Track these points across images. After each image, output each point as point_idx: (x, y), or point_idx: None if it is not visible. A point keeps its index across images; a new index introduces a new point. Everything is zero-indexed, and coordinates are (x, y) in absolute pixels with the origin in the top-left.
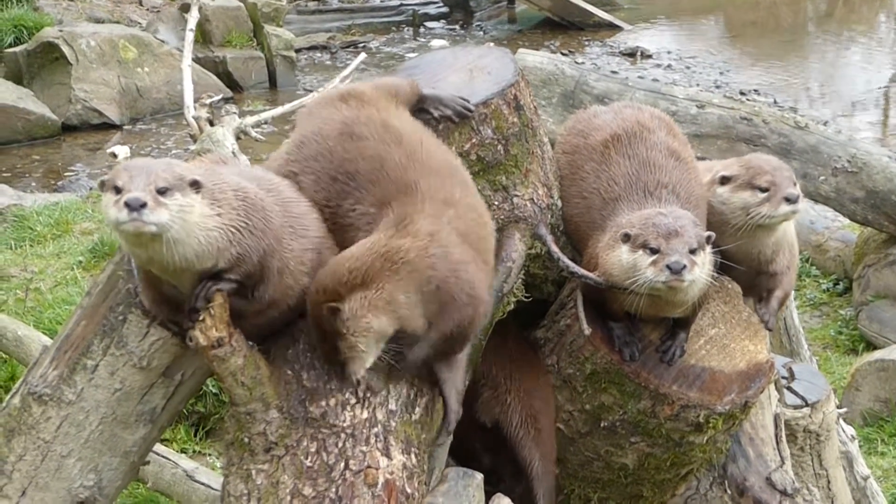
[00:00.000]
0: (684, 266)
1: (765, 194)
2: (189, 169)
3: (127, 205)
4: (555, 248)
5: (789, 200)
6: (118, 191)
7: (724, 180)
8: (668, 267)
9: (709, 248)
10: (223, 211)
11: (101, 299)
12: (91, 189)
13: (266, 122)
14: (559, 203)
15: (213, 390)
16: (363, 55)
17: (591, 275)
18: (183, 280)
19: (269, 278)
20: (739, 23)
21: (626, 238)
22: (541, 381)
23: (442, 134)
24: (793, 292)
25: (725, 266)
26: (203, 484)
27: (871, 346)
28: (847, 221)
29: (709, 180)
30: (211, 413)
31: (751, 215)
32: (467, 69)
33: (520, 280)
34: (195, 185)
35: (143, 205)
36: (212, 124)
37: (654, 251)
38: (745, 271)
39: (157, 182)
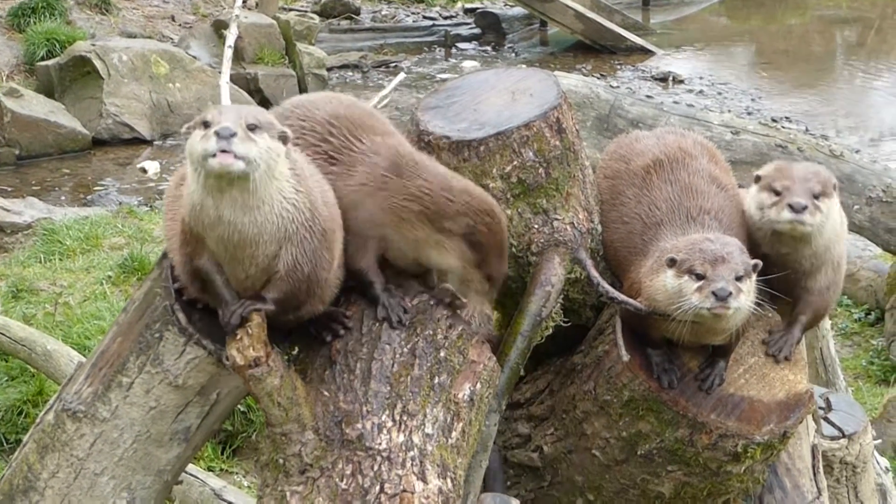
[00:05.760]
0: (730, 293)
1: (776, 198)
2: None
3: (217, 134)
4: (594, 273)
5: (792, 208)
6: (206, 125)
7: (757, 179)
8: (713, 293)
9: (754, 276)
10: (301, 188)
11: (138, 316)
12: (120, 204)
13: None
14: (599, 228)
15: (241, 409)
16: (402, 75)
17: (630, 300)
18: (236, 264)
19: (317, 293)
20: (771, 50)
21: (672, 263)
22: None
23: (483, 156)
24: (829, 322)
25: (765, 291)
26: (230, 503)
27: None
28: (879, 251)
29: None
30: (238, 431)
31: (762, 217)
32: (509, 91)
33: (558, 304)
34: (283, 137)
35: (234, 134)
36: None
37: (699, 277)
38: (786, 287)
39: (247, 118)
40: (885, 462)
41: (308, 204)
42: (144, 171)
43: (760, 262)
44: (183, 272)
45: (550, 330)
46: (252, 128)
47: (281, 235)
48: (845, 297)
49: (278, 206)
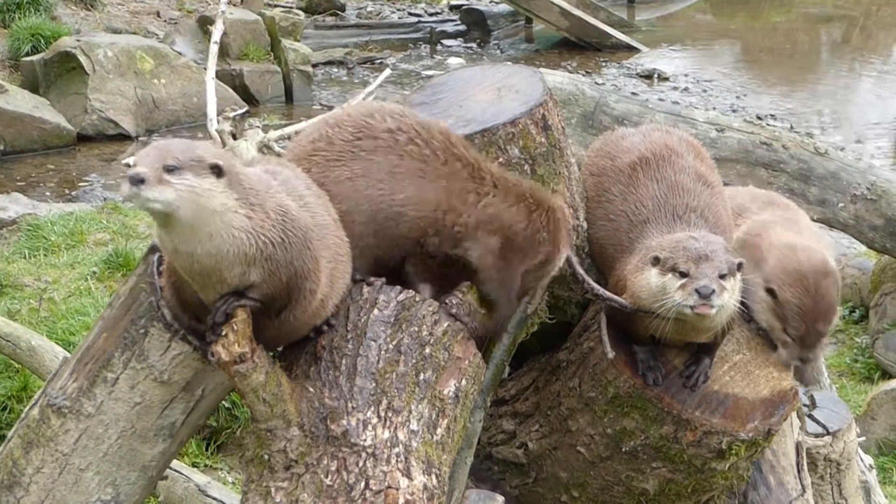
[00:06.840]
0: (713, 291)
1: (683, 280)
2: (216, 154)
3: (130, 178)
4: (580, 270)
5: (699, 294)
6: (129, 166)
7: (655, 261)
8: (696, 291)
9: (739, 275)
10: (254, 216)
11: (123, 312)
12: (105, 199)
13: (289, 137)
14: (585, 225)
15: (226, 405)
16: (388, 71)
17: (615, 297)
18: (207, 289)
19: (299, 301)
20: (756, 48)
21: (656, 261)
22: None
23: None
24: None
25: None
26: (215, 499)
27: (887, 375)
28: (864, 248)
29: None
30: (223, 427)
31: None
32: (495, 88)
33: (544, 301)
34: (215, 169)
35: (142, 181)
36: (234, 138)
37: (683, 275)
38: None
39: (167, 160)
40: (868, 459)
41: (269, 226)
42: (129, 166)
43: (744, 261)
44: (173, 303)
45: (536, 327)
46: (171, 169)
47: (241, 260)
48: None
49: (229, 238)
